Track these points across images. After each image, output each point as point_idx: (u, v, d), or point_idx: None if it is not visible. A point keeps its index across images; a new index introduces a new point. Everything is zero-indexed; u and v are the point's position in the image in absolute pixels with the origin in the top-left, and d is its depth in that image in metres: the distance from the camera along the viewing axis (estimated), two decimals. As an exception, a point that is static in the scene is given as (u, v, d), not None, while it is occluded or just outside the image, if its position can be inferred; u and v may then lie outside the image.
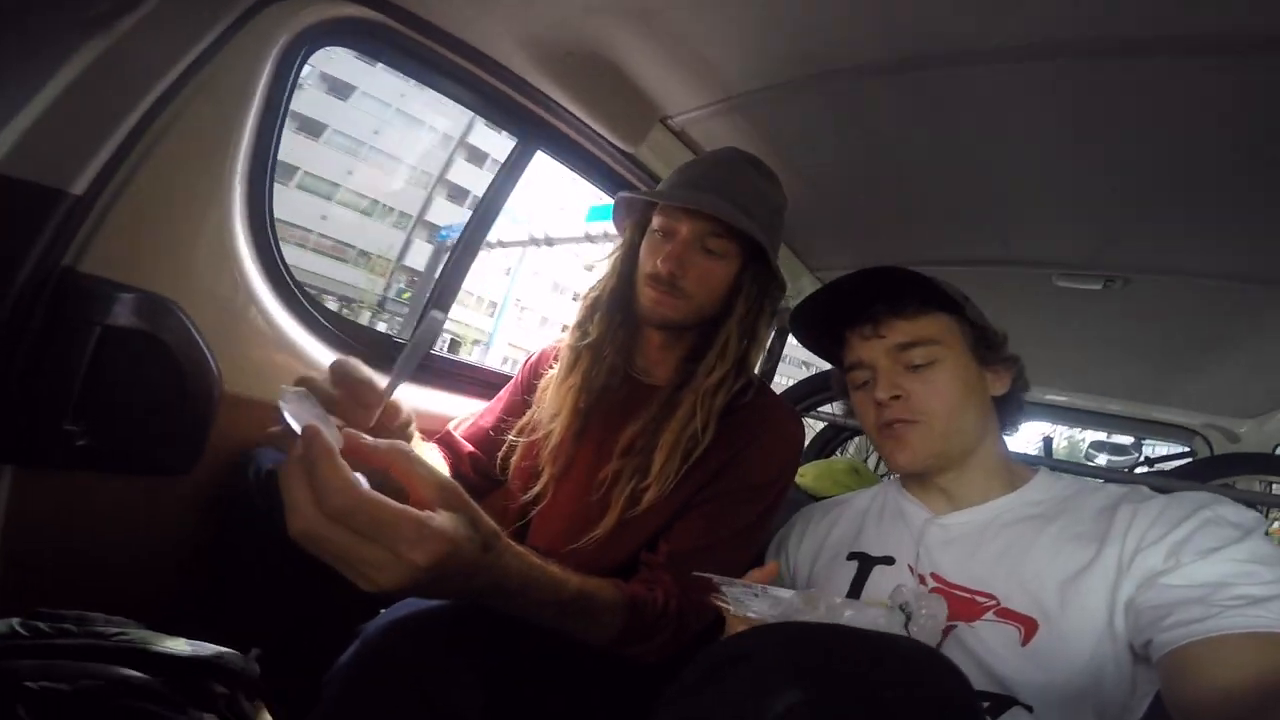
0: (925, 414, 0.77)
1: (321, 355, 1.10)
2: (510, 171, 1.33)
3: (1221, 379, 1.79)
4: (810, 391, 2.03)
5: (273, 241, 1.03)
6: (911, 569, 0.78)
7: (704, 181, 0.88)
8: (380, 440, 0.47)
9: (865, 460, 2.21)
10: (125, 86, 0.80)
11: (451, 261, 1.34)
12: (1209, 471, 1.76)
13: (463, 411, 1.20)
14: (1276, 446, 1.95)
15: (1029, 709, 0.64)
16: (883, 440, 0.81)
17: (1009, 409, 0.85)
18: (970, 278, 0.82)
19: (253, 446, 0.95)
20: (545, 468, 0.91)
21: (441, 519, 0.46)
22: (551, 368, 0.98)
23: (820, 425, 2.27)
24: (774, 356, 1.97)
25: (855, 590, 0.80)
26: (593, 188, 1.48)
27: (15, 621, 0.66)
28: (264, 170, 0.98)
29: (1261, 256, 1.22)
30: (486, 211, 1.36)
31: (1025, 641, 0.66)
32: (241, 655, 0.75)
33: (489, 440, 1.01)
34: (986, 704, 0.65)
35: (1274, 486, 1.81)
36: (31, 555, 0.86)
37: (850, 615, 0.53)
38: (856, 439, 2.39)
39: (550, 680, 0.73)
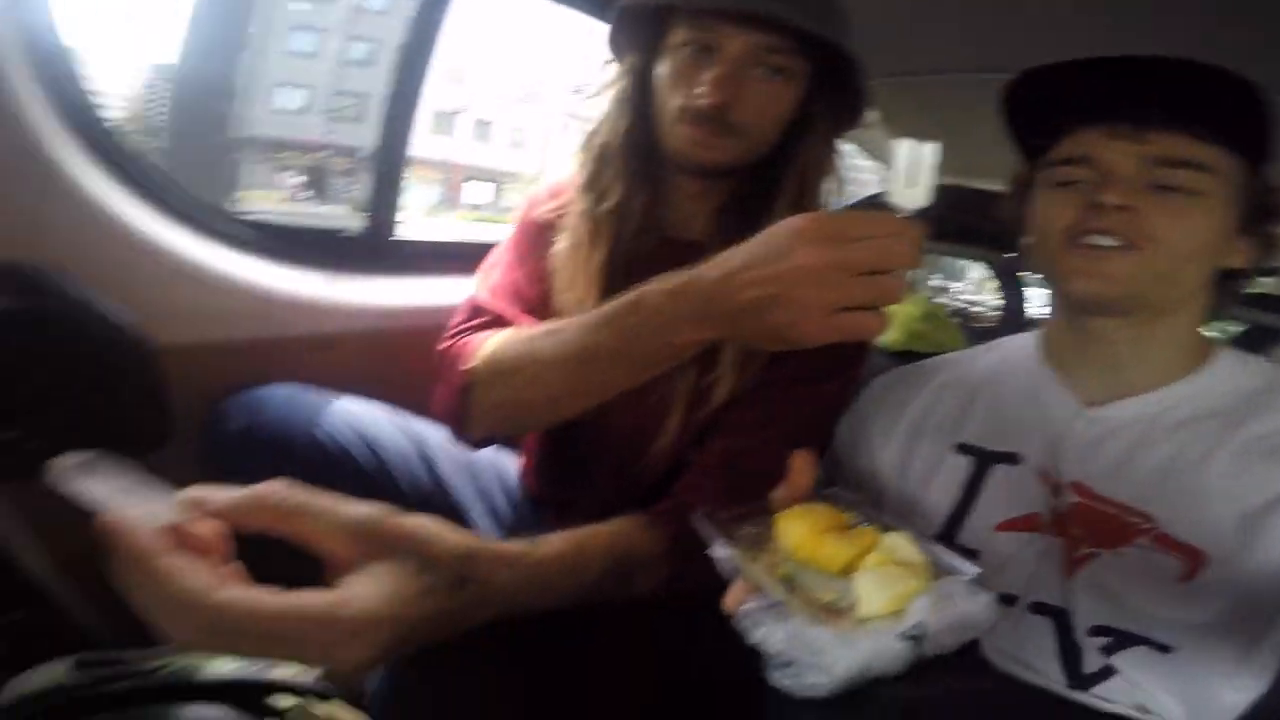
0: (1151, 241, 0.56)
1: (257, 269, 0.88)
2: None
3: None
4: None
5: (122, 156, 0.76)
6: (1045, 475, 0.61)
7: None
8: (241, 493, 0.33)
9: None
10: None
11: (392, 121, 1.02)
12: None
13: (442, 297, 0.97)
14: None
15: (1165, 649, 0.52)
16: (1070, 256, 0.60)
17: (1230, 287, 0.64)
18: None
19: (218, 399, 0.80)
20: None
21: (363, 594, 0.33)
22: (555, 238, 0.74)
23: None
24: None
25: (969, 495, 0.64)
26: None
27: (62, 671, 0.59)
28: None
29: None
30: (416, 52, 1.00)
31: (1188, 577, 0.53)
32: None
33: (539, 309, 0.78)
34: (1108, 640, 0.54)
35: None
36: (64, 560, 0.74)
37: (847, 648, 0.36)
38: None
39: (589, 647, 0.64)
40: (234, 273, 0.85)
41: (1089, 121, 0.61)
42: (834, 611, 0.40)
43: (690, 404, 0.67)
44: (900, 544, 0.45)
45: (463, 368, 0.67)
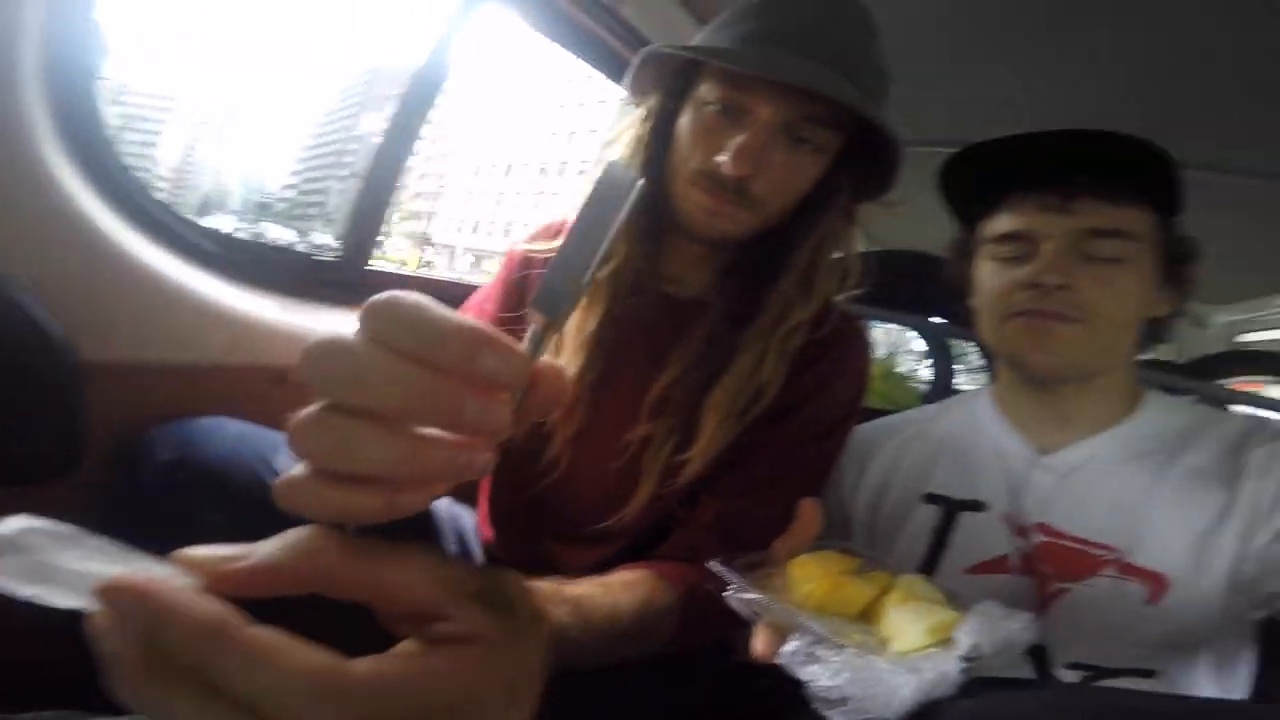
0: (1092, 315, 0.62)
1: (214, 288, 0.81)
2: (448, 33, 0.97)
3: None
4: None
5: (103, 149, 0.71)
6: (1007, 519, 0.67)
7: (791, 35, 0.59)
8: (277, 549, 0.21)
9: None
10: None
11: (386, 151, 1.02)
12: (1212, 370, 1.79)
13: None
14: (1236, 337, 2.08)
15: (1149, 674, 0.58)
16: (1015, 330, 0.66)
17: (1156, 331, 0.70)
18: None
19: (145, 427, 0.70)
20: (557, 428, 0.68)
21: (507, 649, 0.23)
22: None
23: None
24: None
25: (939, 541, 0.69)
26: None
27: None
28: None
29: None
30: (428, 83, 1.00)
31: (1154, 599, 0.59)
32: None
33: None
34: (1086, 673, 0.59)
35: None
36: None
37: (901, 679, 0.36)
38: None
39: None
40: (188, 288, 0.77)
41: (1024, 194, 0.66)
42: (868, 651, 0.40)
43: (662, 478, 0.64)
44: (916, 582, 0.48)
45: None
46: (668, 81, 0.66)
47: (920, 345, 2.09)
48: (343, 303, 0.95)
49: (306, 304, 0.91)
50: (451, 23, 0.96)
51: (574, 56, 1.11)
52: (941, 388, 1.63)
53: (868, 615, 0.46)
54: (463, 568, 0.26)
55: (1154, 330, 0.69)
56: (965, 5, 0.96)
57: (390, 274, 1.06)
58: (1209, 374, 1.73)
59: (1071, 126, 0.63)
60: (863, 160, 0.64)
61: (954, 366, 1.83)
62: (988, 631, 0.40)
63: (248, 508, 0.54)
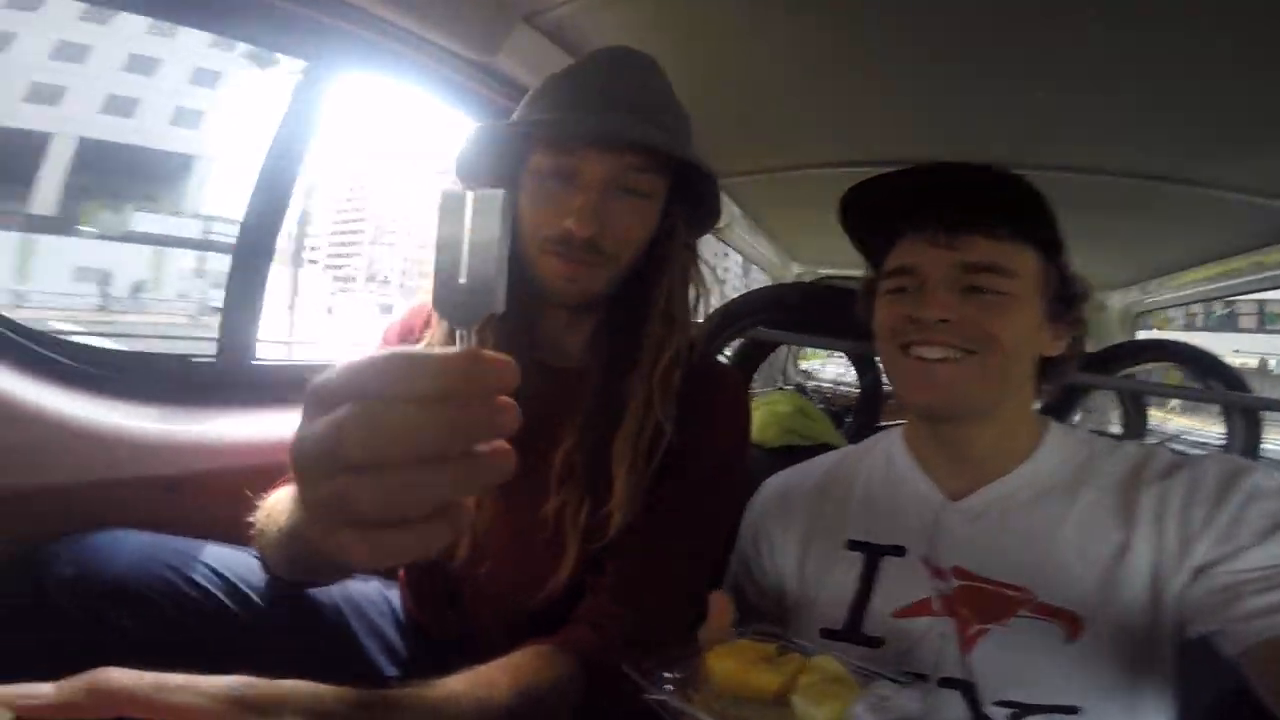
0: (976, 344, 0.62)
1: (76, 406, 0.75)
2: (300, 105, 0.94)
3: (1095, 258, 1.93)
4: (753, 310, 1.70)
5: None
6: (926, 562, 0.66)
7: (602, 97, 0.64)
8: (71, 685, 0.29)
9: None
10: None
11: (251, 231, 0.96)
12: (1122, 358, 1.88)
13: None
14: (1138, 315, 2.23)
15: (1073, 710, 0.57)
16: (902, 365, 0.67)
17: (1054, 373, 0.71)
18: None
19: (36, 542, 0.65)
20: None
21: None
22: None
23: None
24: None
25: (865, 587, 0.68)
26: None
27: None
28: None
29: (1140, 154, 1.26)
30: (282, 160, 0.96)
31: (1071, 638, 0.59)
32: None
33: None
34: (1012, 710, 0.58)
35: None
36: None
37: None
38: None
39: None
40: (48, 408, 0.72)
41: (913, 229, 0.68)
42: None
43: (586, 539, 0.65)
44: (827, 663, 0.48)
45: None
46: (496, 160, 0.68)
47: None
48: (230, 403, 0.88)
49: (189, 409, 0.84)
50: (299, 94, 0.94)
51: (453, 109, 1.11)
52: (869, 414, 1.66)
53: (784, 699, 0.46)
54: (262, 689, 0.34)
55: (1051, 371, 0.70)
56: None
57: (279, 367, 1.00)
58: (1120, 362, 1.82)
59: (956, 158, 0.65)
60: (690, 197, 0.70)
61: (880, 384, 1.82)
62: (880, 710, 0.41)
63: (164, 615, 0.59)
